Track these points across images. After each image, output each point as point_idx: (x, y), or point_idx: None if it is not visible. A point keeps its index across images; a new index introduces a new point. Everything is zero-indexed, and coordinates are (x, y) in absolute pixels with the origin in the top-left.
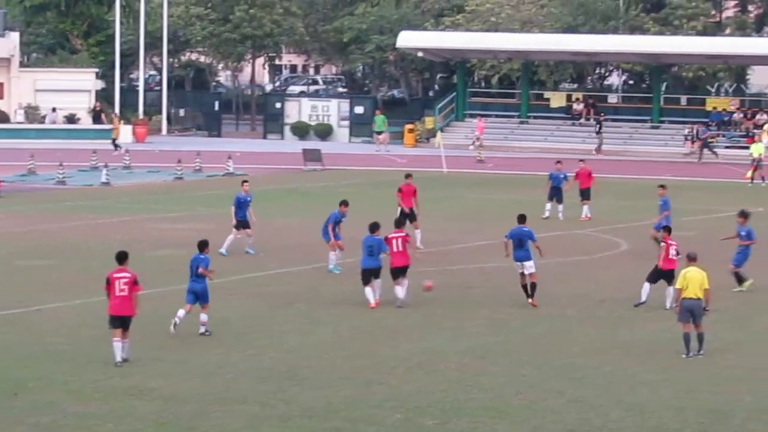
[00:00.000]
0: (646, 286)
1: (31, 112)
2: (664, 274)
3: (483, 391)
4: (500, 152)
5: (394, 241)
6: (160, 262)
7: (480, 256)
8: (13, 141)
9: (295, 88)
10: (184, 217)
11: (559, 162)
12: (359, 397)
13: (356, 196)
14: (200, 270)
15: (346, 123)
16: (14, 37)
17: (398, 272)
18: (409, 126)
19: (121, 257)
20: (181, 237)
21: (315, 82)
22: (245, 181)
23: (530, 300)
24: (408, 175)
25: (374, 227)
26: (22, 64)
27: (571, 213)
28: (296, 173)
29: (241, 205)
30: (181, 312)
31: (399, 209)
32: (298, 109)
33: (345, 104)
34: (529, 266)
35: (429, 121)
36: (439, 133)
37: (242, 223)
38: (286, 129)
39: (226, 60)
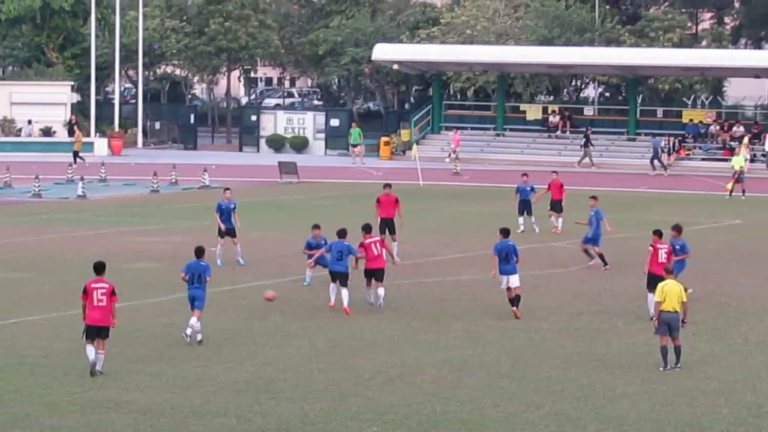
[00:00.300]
0: (650, 296)
1: (7, 125)
2: (659, 279)
3: (460, 403)
4: (476, 165)
5: (372, 246)
6: (136, 275)
7: (456, 269)
8: None
9: (270, 101)
10: (160, 230)
11: (525, 174)
12: (336, 409)
13: (332, 209)
14: (209, 279)
15: (322, 136)
16: None
17: (376, 274)
18: (384, 138)
19: (99, 268)
20: (157, 250)
21: (290, 95)
22: (227, 189)
23: (514, 309)
24: (387, 185)
25: (342, 233)
26: None
27: (544, 225)
28: (272, 186)
29: (224, 212)
30: (193, 320)
31: (379, 219)
32: (273, 122)
33: (321, 117)
34: (515, 280)
35: (405, 134)
36: (415, 146)
37: (228, 231)
38: (262, 142)
39: (202, 73)
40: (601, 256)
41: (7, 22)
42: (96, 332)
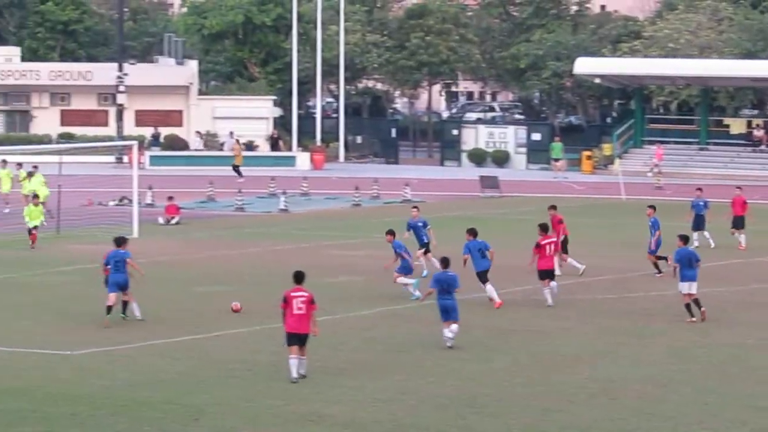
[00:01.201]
0: None
1: (210, 140)
2: None
3: (664, 419)
4: (679, 179)
5: (546, 246)
6: (339, 289)
7: (660, 284)
8: (192, 168)
9: (471, 115)
10: (361, 244)
11: (699, 189)
12: (538, 424)
13: (533, 224)
14: (456, 290)
15: (523, 150)
16: (193, 65)
17: (548, 274)
18: (586, 153)
19: (299, 277)
20: (358, 264)
21: (492, 109)
22: (415, 207)
23: (702, 309)
24: (552, 207)
25: (472, 231)
26: (200, 92)
27: (723, 241)
28: (473, 200)
29: (415, 229)
30: (449, 329)
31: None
32: (475, 136)
33: (522, 131)
34: (696, 285)
35: (607, 148)
36: (617, 160)
37: (423, 246)
38: (463, 156)
39: (403, 87)
40: (655, 264)
41: (210, 37)
42: (296, 339)
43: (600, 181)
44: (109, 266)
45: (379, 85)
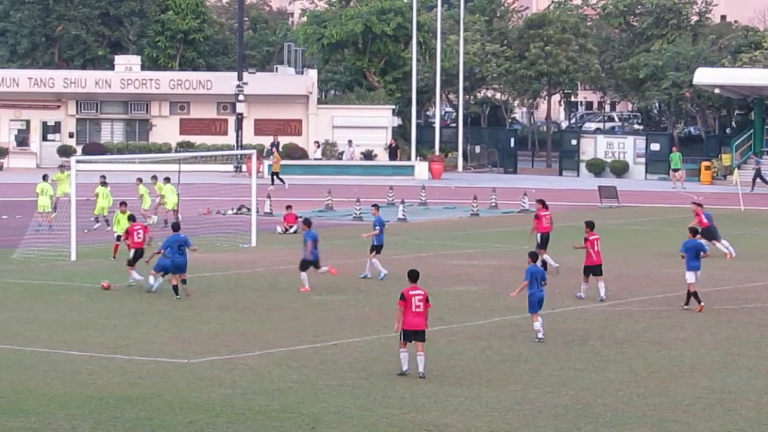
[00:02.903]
0: None
1: (329, 149)
2: None
3: None
4: None
5: (595, 242)
6: (456, 298)
7: None
8: (311, 177)
9: (590, 125)
10: (479, 254)
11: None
12: None
13: (652, 234)
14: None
15: (642, 160)
16: (312, 74)
17: (595, 270)
18: (705, 163)
19: (414, 275)
20: (476, 273)
21: (611, 119)
22: (375, 206)
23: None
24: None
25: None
26: (319, 101)
27: None
28: (592, 210)
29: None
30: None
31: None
32: (593, 146)
33: (641, 141)
34: (700, 275)
35: (726, 159)
36: (736, 171)
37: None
38: (582, 166)
39: (522, 97)
40: None
41: (330, 46)
42: (413, 336)
43: (719, 191)
44: (167, 249)
45: (498, 95)
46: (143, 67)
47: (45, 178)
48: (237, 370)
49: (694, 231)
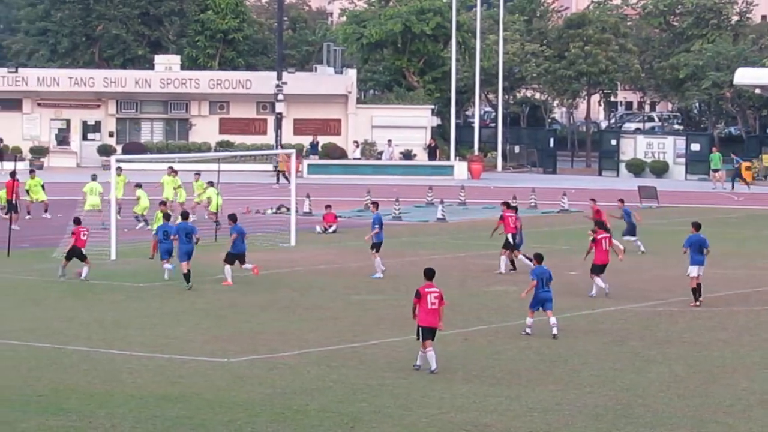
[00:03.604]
0: None
1: (368, 149)
2: None
3: None
4: None
5: (602, 241)
6: (495, 298)
7: None
8: (350, 177)
9: (630, 125)
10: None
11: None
12: None
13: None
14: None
15: (682, 160)
16: (352, 74)
17: (601, 270)
18: (746, 163)
19: (430, 273)
20: (515, 273)
21: (650, 119)
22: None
23: (701, 299)
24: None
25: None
26: (358, 101)
27: None
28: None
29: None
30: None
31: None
32: (633, 146)
33: (681, 141)
34: (702, 270)
35: (766, 159)
36: None
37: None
38: (621, 166)
39: (561, 97)
40: None
41: (369, 46)
42: (428, 333)
43: (759, 191)
44: (176, 236)
45: (537, 95)
46: (183, 67)
47: (94, 177)
48: (276, 369)
49: (697, 226)
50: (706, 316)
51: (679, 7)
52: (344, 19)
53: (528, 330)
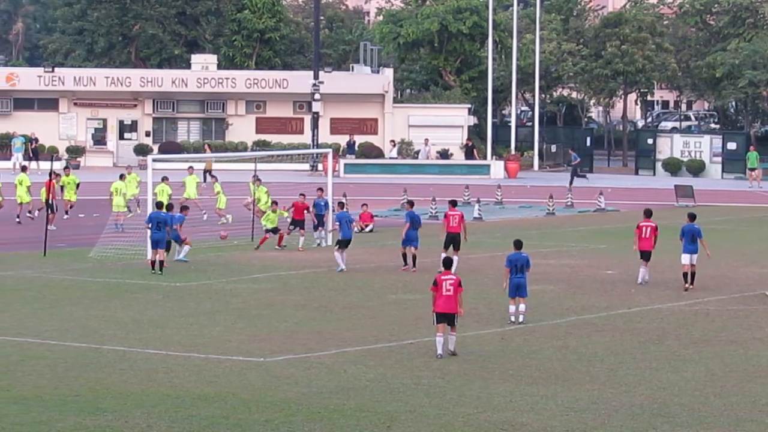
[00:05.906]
0: None
1: (405, 148)
2: None
3: None
4: None
5: (643, 228)
6: (532, 297)
7: None
8: (387, 176)
9: (667, 124)
10: (555, 253)
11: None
12: None
13: (728, 234)
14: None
15: (719, 159)
16: (388, 73)
17: (645, 256)
18: None
19: (448, 263)
20: (552, 272)
21: (687, 118)
22: (320, 189)
23: (690, 285)
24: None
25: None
26: (395, 100)
27: None
28: (668, 209)
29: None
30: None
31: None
32: (670, 145)
33: (717, 140)
34: (696, 258)
35: None
36: None
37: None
38: (658, 165)
39: (598, 96)
40: None
41: (406, 45)
42: (444, 318)
43: None
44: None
45: (574, 94)
46: (219, 66)
47: (122, 177)
48: (313, 368)
49: (692, 216)
50: (743, 314)
51: (716, 6)
52: (381, 18)
53: (512, 318)
